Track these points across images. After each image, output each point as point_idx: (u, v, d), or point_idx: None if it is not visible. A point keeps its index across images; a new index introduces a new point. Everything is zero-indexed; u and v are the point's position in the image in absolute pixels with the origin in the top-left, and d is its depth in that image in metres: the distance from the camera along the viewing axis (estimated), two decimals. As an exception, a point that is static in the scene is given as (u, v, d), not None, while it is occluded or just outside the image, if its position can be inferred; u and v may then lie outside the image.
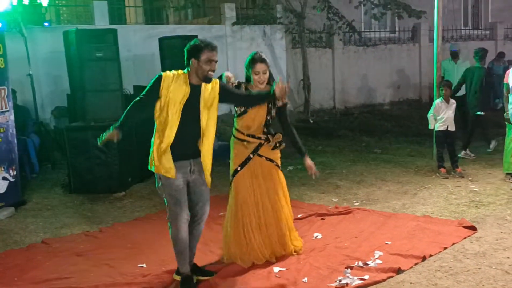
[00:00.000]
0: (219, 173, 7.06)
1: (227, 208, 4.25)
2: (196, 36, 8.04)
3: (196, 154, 3.72)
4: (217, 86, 3.75)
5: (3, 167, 5.75)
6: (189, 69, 3.65)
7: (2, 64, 5.75)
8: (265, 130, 4.15)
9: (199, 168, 3.75)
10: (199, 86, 3.66)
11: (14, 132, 5.96)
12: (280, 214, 4.19)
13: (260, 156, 4.15)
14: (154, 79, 3.63)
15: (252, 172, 4.13)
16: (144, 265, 4.20)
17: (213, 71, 3.63)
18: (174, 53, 7.51)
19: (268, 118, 4.14)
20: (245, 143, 4.13)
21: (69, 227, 5.26)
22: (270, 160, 4.19)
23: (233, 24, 11.40)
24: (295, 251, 4.26)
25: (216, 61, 3.64)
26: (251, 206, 4.11)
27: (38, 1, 8.36)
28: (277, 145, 4.18)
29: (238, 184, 4.14)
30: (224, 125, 8.72)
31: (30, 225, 5.35)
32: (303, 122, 11.24)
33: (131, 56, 9.75)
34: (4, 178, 5.76)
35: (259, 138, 4.14)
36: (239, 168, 4.13)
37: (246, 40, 11.61)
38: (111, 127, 3.64)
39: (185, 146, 3.64)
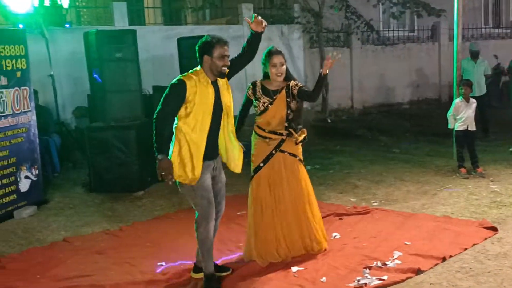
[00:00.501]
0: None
1: (248, 205, 4.25)
2: (214, 37, 8.14)
3: (217, 152, 3.77)
4: (228, 86, 3.77)
5: (26, 167, 5.87)
6: (202, 67, 3.63)
7: (24, 65, 5.86)
8: (286, 125, 4.15)
9: (220, 166, 3.82)
10: (216, 82, 3.67)
11: (36, 132, 6.07)
12: (304, 210, 4.19)
13: (283, 151, 4.15)
14: (176, 87, 3.51)
15: (274, 169, 4.13)
16: (163, 264, 4.24)
17: (227, 66, 3.62)
18: (192, 54, 7.46)
19: (289, 112, 4.14)
20: (267, 140, 4.15)
21: (90, 226, 5.34)
22: (293, 155, 4.19)
23: (251, 24, 11.40)
24: (313, 250, 4.24)
25: (228, 56, 3.64)
26: (271, 203, 4.12)
27: (59, 3, 8.49)
28: (303, 140, 4.17)
29: (260, 181, 4.15)
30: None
31: (52, 223, 5.45)
32: (320, 122, 11.20)
33: (150, 56, 9.83)
34: (26, 177, 5.87)
35: (280, 134, 4.15)
36: (261, 165, 4.14)
37: (263, 40, 11.29)
38: (156, 162, 3.44)
39: (212, 146, 3.67)
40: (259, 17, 3.71)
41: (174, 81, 3.59)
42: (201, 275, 3.89)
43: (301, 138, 4.16)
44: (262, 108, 4.14)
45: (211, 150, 3.68)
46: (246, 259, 4.19)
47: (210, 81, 3.61)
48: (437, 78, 13.85)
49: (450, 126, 6.83)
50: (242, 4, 11.51)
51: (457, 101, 6.72)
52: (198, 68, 3.66)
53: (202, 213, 3.66)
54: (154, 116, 3.54)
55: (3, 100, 5.54)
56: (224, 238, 4.60)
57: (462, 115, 6.66)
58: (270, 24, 11.56)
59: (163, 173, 3.45)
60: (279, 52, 4.11)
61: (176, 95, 3.52)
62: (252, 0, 11.81)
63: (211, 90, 3.59)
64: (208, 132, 3.58)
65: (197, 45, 3.65)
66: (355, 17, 11.58)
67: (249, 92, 4.20)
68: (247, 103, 4.23)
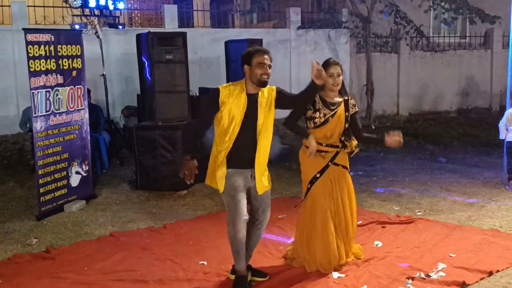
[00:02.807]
0: (279, 176, 7.14)
1: (301, 214, 4.15)
2: (261, 40, 8.21)
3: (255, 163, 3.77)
4: (274, 92, 3.76)
5: (77, 162, 6.11)
6: (244, 77, 3.71)
7: (79, 65, 6.10)
8: (342, 138, 4.11)
9: None
10: (256, 95, 3.68)
11: (88, 129, 6.31)
12: (352, 222, 4.18)
13: (337, 164, 4.09)
14: (210, 95, 3.67)
15: (329, 180, 4.07)
16: (205, 263, 4.32)
17: (267, 74, 3.62)
18: (239, 56, 7.61)
19: (347, 126, 4.11)
20: (323, 153, 4.06)
21: (135, 222, 5.50)
22: (345, 167, 4.16)
23: (298, 28, 11.43)
24: (355, 257, 4.24)
25: (269, 65, 3.65)
26: (331, 213, 4.05)
27: (113, 6, 8.78)
28: (354, 150, 4.14)
29: (317, 191, 4.04)
30: (285, 128, 8.77)
31: (100, 218, 5.65)
32: (364, 128, 11.04)
33: (197, 58, 10.03)
34: (77, 173, 6.11)
35: (337, 146, 4.09)
36: (318, 175, 4.04)
37: (310, 44, 11.61)
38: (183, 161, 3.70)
39: (245, 156, 3.68)
40: (319, 66, 3.55)
41: (210, 90, 3.71)
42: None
43: (357, 150, 4.14)
44: (322, 120, 4.02)
45: (243, 159, 3.68)
46: (296, 264, 4.15)
47: (245, 91, 3.65)
48: (488, 86, 13.42)
49: (501, 136, 6.61)
50: (290, 8, 11.54)
51: (510, 110, 6.50)
52: (243, 80, 3.74)
53: (229, 212, 3.71)
54: (190, 126, 3.66)
55: (59, 98, 5.78)
56: (265, 241, 4.63)
57: (515, 126, 6.43)
58: (317, 28, 11.56)
59: (186, 172, 3.66)
60: (337, 63, 4.04)
61: (210, 103, 3.65)
62: (299, 4, 11.82)
63: (244, 100, 3.62)
64: (237, 141, 3.61)
65: (241, 58, 3.73)
66: (404, 22, 11.38)
67: None
68: (296, 112, 4.06)
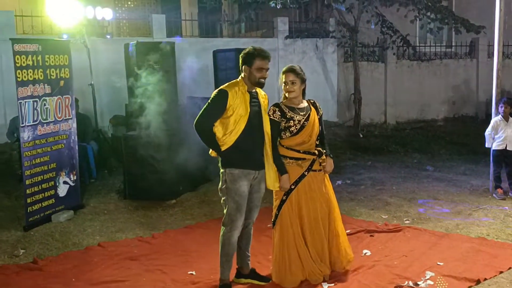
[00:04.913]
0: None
1: (277, 230, 4.06)
2: (249, 50, 8.24)
3: (262, 164, 3.84)
4: (267, 101, 3.95)
5: (65, 172, 6.06)
6: (242, 76, 3.80)
7: (67, 75, 6.08)
8: (317, 143, 4.09)
9: (261, 177, 3.88)
10: (255, 93, 3.83)
11: (76, 139, 6.27)
12: (335, 226, 4.14)
13: (314, 170, 4.04)
14: (219, 97, 3.69)
15: (306, 189, 4.01)
16: (194, 273, 4.31)
17: (265, 78, 3.78)
18: (227, 65, 7.70)
19: (321, 129, 4.11)
20: (300, 161, 4.00)
21: (123, 232, 5.46)
22: (320, 170, 4.10)
23: (286, 37, 11.51)
24: (342, 266, 4.20)
25: (267, 69, 3.78)
26: (307, 223, 4.01)
27: (101, 16, 8.78)
28: (330, 155, 4.10)
29: (292, 203, 3.99)
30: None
31: (88, 228, 5.60)
32: (352, 137, 11.14)
33: (186, 67, 10.03)
34: (65, 183, 6.06)
35: (313, 153, 4.03)
36: (293, 186, 3.97)
37: (298, 53, 11.69)
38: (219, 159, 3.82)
39: (252, 155, 3.76)
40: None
41: (216, 91, 3.79)
42: (241, 280, 4.03)
43: (330, 170, 4.08)
44: (298, 126, 3.95)
45: (251, 159, 3.77)
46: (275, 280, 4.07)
47: (246, 89, 3.76)
48: (474, 95, 13.61)
49: (487, 145, 6.69)
50: (278, 17, 11.62)
51: (496, 119, 6.59)
52: (239, 78, 3.83)
53: (228, 217, 3.79)
54: (197, 124, 3.73)
55: (46, 108, 5.75)
56: (254, 251, 4.61)
57: (501, 134, 6.52)
58: (305, 38, 11.64)
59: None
60: (292, 70, 4.00)
61: (219, 105, 3.70)
62: (287, 14, 11.91)
63: (247, 97, 3.74)
64: (240, 137, 3.68)
65: (241, 54, 3.82)
66: (391, 32, 11.52)
67: (275, 115, 3.94)
68: (275, 128, 3.94)
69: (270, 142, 3.88)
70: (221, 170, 3.82)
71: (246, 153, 3.74)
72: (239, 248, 4.03)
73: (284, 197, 4.01)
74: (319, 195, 4.07)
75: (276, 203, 4.06)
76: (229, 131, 3.71)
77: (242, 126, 3.70)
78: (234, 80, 3.84)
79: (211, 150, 3.85)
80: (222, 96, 3.70)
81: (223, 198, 3.84)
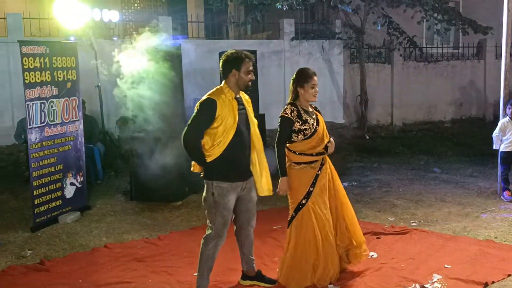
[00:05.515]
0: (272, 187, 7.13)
1: (293, 231, 4.00)
2: (255, 51, 8.24)
3: (249, 173, 3.79)
4: (250, 104, 3.88)
5: (72, 173, 6.09)
6: (225, 82, 3.69)
7: (74, 76, 6.11)
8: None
9: (250, 186, 3.82)
10: (240, 98, 3.76)
11: (83, 140, 6.30)
12: (352, 214, 4.23)
13: (322, 165, 4.04)
14: (207, 107, 3.57)
15: (323, 186, 4.04)
16: (200, 275, 4.30)
17: (252, 80, 3.73)
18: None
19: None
20: (313, 164, 3.98)
21: (130, 233, 5.47)
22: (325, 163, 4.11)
23: (292, 39, 11.50)
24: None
25: (252, 71, 3.75)
26: (330, 221, 4.05)
27: (108, 18, 8.81)
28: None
29: (314, 204, 3.97)
30: (277, 148, 8.78)
31: (94, 229, 5.62)
32: (359, 138, 11.11)
33: (191, 69, 10.05)
34: (72, 184, 6.09)
35: (323, 153, 4.04)
36: (311, 189, 3.96)
37: (304, 55, 11.68)
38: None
39: (240, 166, 3.70)
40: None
41: (203, 100, 3.63)
42: (247, 282, 4.02)
43: (332, 151, 4.11)
44: (312, 130, 3.94)
45: (238, 170, 3.70)
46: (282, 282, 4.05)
47: (234, 96, 3.69)
48: (482, 96, 13.53)
49: (495, 146, 6.65)
50: (284, 19, 11.62)
51: (504, 121, 6.55)
52: (222, 84, 3.71)
53: (215, 232, 3.69)
54: (185, 137, 3.61)
55: (54, 110, 5.78)
56: (260, 252, 4.63)
57: (509, 136, 6.48)
58: (311, 39, 11.63)
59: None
60: (315, 74, 4.04)
61: (208, 116, 3.58)
62: (293, 15, 11.91)
63: (235, 105, 3.66)
64: (228, 147, 3.58)
65: (224, 59, 3.70)
66: (397, 33, 11.48)
67: (293, 114, 3.93)
68: (287, 127, 3.92)
69: (261, 145, 3.80)
70: (206, 181, 3.70)
71: (233, 163, 3.64)
72: (242, 254, 4.02)
73: (304, 201, 3.96)
74: (334, 188, 4.13)
75: (293, 205, 4.01)
76: (217, 141, 3.59)
77: (230, 136, 3.59)
78: (218, 87, 3.71)
79: (193, 165, 3.73)
80: (211, 106, 3.55)
81: (208, 211, 3.72)
